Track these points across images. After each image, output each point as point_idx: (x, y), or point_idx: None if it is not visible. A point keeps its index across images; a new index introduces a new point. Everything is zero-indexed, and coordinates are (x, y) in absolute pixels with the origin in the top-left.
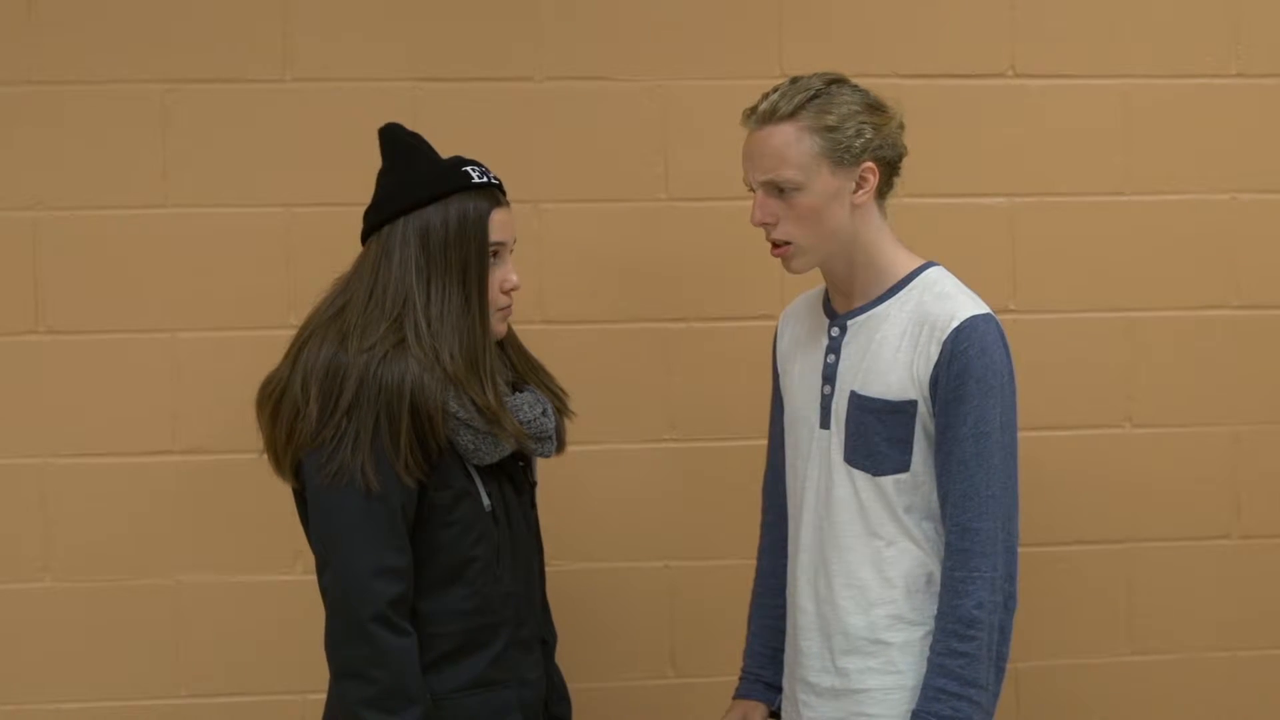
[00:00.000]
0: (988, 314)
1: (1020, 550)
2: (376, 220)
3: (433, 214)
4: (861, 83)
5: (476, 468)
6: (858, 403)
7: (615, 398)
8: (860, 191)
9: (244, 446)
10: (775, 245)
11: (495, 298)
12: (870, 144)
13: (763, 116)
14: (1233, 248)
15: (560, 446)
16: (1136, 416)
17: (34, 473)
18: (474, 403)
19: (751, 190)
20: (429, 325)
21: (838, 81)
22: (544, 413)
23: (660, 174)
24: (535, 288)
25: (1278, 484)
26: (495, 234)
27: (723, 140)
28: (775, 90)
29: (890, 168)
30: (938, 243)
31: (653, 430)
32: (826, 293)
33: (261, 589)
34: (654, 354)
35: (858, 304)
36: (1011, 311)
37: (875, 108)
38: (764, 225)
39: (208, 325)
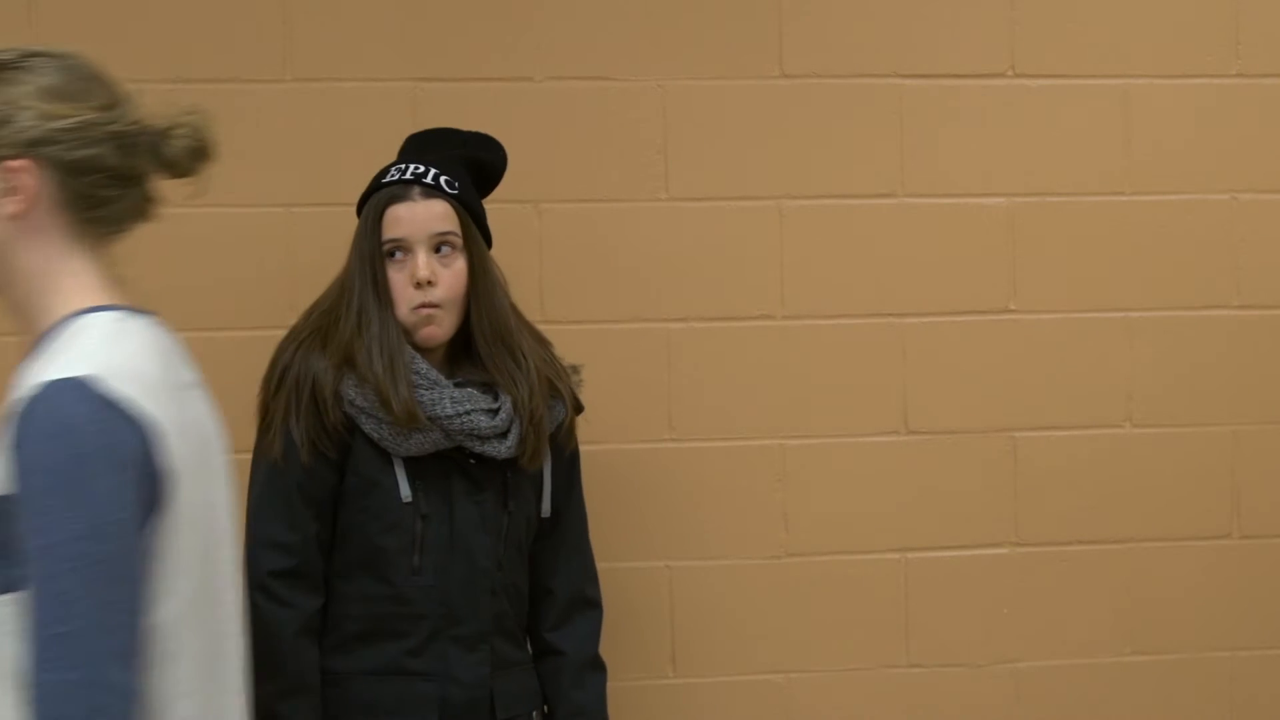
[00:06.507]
0: (78, 378)
1: (1021, 550)
2: None
3: (363, 215)
4: (861, 83)
5: (405, 460)
6: None
7: (615, 398)
8: (12, 198)
9: (243, 446)
10: None
11: (404, 294)
12: (30, 133)
13: None
14: (1233, 248)
15: (524, 452)
16: (1136, 416)
17: None
18: (374, 389)
19: None
20: (345, 317)
21: (39, 55)
22: (485, 412)
23: (660, 174)
24: (535, 288)
25: (1278, 484)
26: (390, 230)
27: (723, 140)
28: None
29: (76, 172)
30: (938, 243)
31: (653, 430)
32: None
33: None
34: (654, 354)
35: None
36: (1011, 311)
37: (63, 94)
38: None
39: (208, 325)
